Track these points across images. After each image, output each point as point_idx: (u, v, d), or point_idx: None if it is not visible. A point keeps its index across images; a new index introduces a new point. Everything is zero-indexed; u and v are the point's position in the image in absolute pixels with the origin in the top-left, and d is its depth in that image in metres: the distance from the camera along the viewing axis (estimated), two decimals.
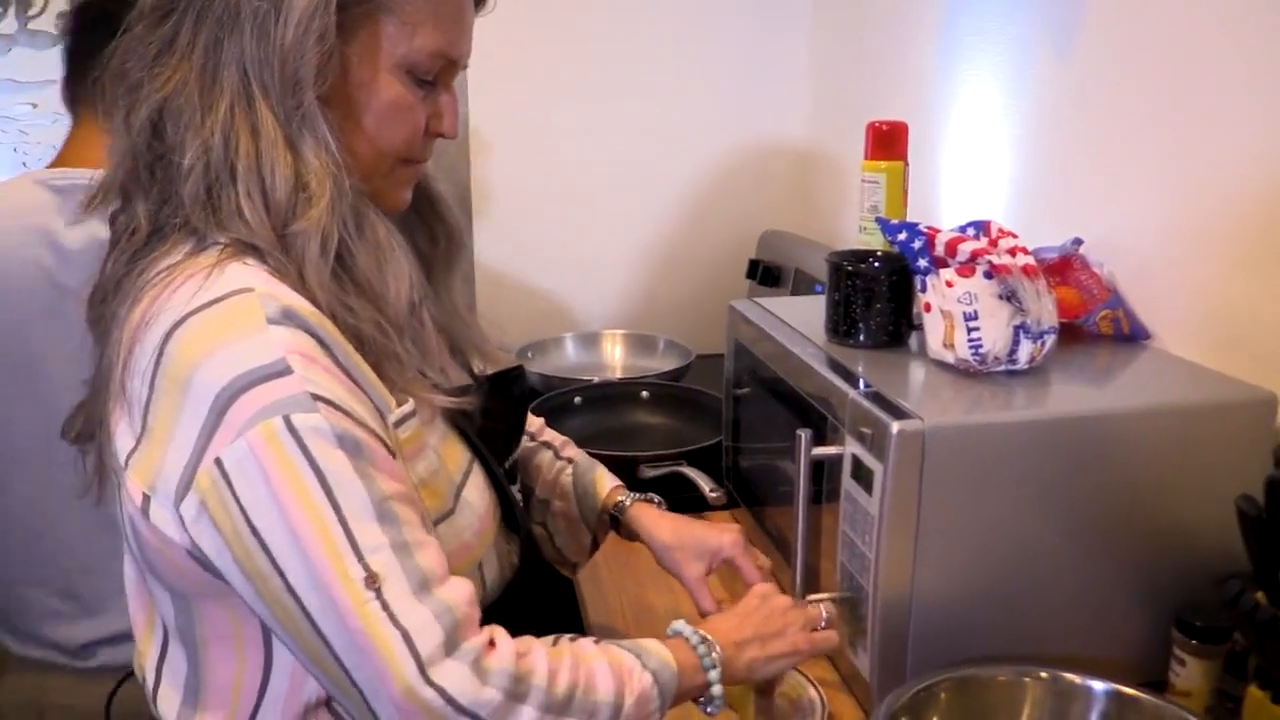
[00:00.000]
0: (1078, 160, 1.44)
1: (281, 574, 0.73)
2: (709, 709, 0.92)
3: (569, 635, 0.87)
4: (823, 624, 1.06)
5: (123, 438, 0.79)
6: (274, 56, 0.78)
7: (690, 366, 2.14)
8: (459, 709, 0.73)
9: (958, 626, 1.06)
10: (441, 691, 0.73)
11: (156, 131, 0.81)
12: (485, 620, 0.90)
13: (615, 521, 1.19)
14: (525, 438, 1.23)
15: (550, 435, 1.27)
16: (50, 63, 2.19)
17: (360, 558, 0.73)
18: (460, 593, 0.78)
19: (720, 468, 1.62)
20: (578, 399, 1.91)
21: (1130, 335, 1.27)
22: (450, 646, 0.74)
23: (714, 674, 0.91)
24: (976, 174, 1.69)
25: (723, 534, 1.15)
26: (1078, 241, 1.35)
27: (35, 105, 2.22)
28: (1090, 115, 1.40)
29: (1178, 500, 1.08)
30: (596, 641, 0.87)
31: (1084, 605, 1.09)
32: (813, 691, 1.11)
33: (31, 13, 2.17)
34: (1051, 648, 1.07)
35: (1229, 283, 1.18)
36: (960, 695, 0.95)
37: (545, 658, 0.80)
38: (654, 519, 1.17)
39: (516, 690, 0.76)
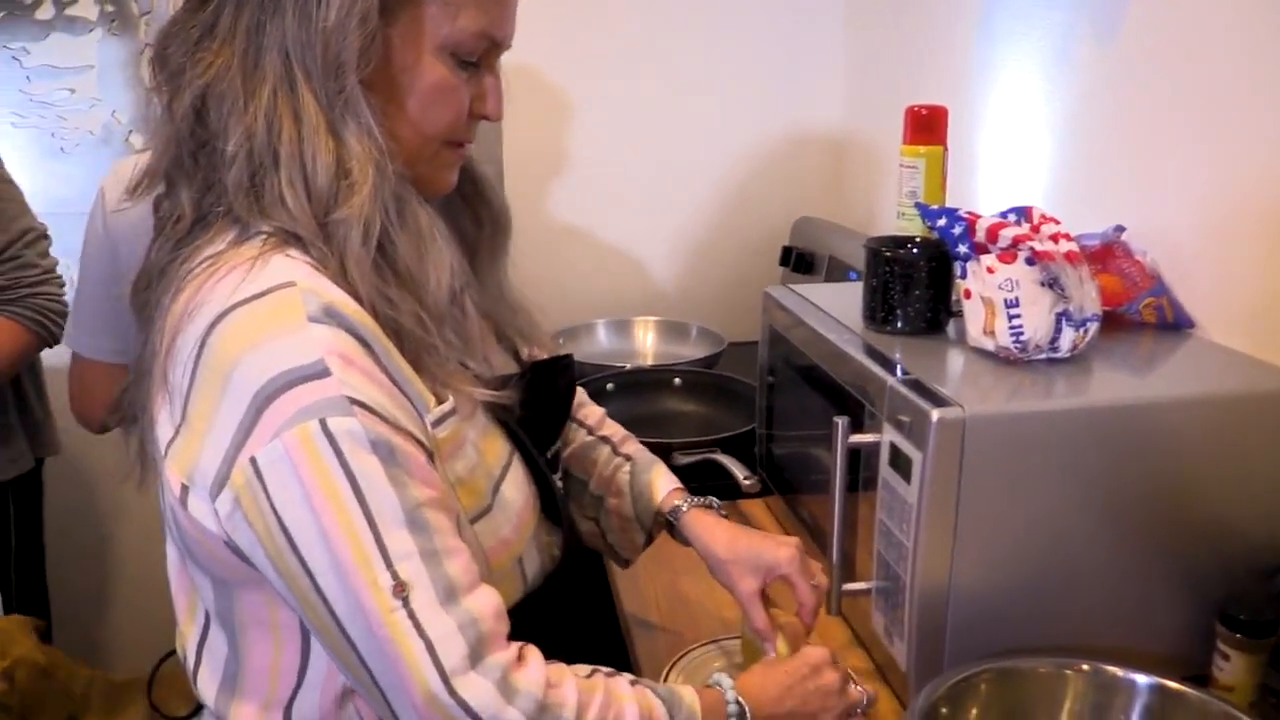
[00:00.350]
0: (1119, 147, 1.42)
1: (311, 575, 0.73)
2: None
3: (606, 670, 0.86)
4: (861, 710, 1.02)
5: (163, 426, 0.79)
6: (316, 39, 0.77)
7: (723, 354, 2.13)
8: None
9: (996, 617, 1.05)
10: (464, 704, 0.73)
11: (200, 118, 0.80)
12: (525, 609, 0.90)
13: (670, 526, 1.16)
14: (583, 431, 1.21)
15: (610, 429, 1.23)
16: (87, 48, 2.21)
17: (389, 565, 0.73)
18: (487, 604, 0.77)
19: (753, 455, 1.61)
20: (610, 385, 1.90)
21: (1174, 324, 1.25)
22: (475, 659, 0.74)
23: None
24: (1015, 160, 1.66)
25: (779, 549, 1.09)
26: (1119, 229, 1.33)
27: (73, 90, 2.24)
28: (1132, 102, 1.38)
29: (1222, 491, 1.06)
30: (633, 682, 0.85)
31: (1125, 597, 1.07)
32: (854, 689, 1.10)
33: None
34: (1091, 640, 1.05)
35: (1274, 270, 1.15)
36: (1000, 686, 0.94)
37: (576, 691, 0.79)
38: (709, 528, 1.11)
39: (540, 716, 0.75)
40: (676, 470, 1.56)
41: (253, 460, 0.73)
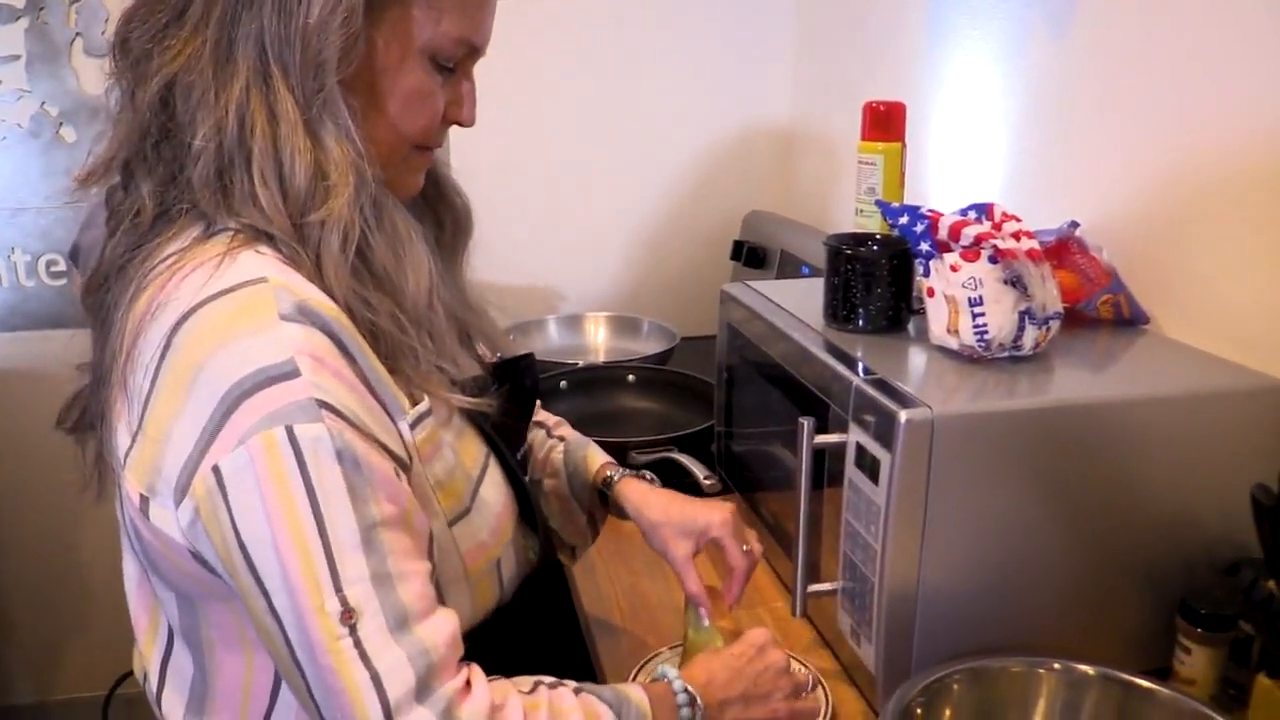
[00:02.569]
0: (1073, 142, 1.42)
1: (266, 595, 0.71)
2: None
3: (549, 680, 0.84)
4: (808, 692, 1.03)
5: (121, 435, 0.76)
6: (295, 35, 0.75)
7: (675, 349, 2.11)
8: None
9: (964, 617, 1.05)
10: None
11: (165, 107, 0.77)
12: (500, 615, 0.87)
13: (604, 497, 1.15)
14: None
15: (543, 416, 1.23)
16: (13, 37, 2.12)
17: (339, 589, 0.70)
18: (440, 632, 0.75)
19: (711, 453, 1.60)
20: (563, 383, 1.88)
21: (1130, 320, 1.26)
22: (422, 692, 0.72)
23: None
24: (969, 155, 1.67)
25: (712, 512, 1.09)
26: (1074, 224, 1.33)
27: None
28: (1086, 95, 1.39)
29: (1183, 488, 1.07)
30: (577, 690, 0.84)
31: (1088, 594, 1.08)
32: (819, 692, 1.10)
33: None
34: (1055, 637, 1.06)
35: (1227, 265, 1.17)
36: (973, 686, 0.94)
37: (521, 709, 0.77)
38: (642, 494, 1.12)
39: None
40: (634, 469, 1.55)
41: (215, 469, 0.70)
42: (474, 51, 0.86)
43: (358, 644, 0.70)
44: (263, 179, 0.75)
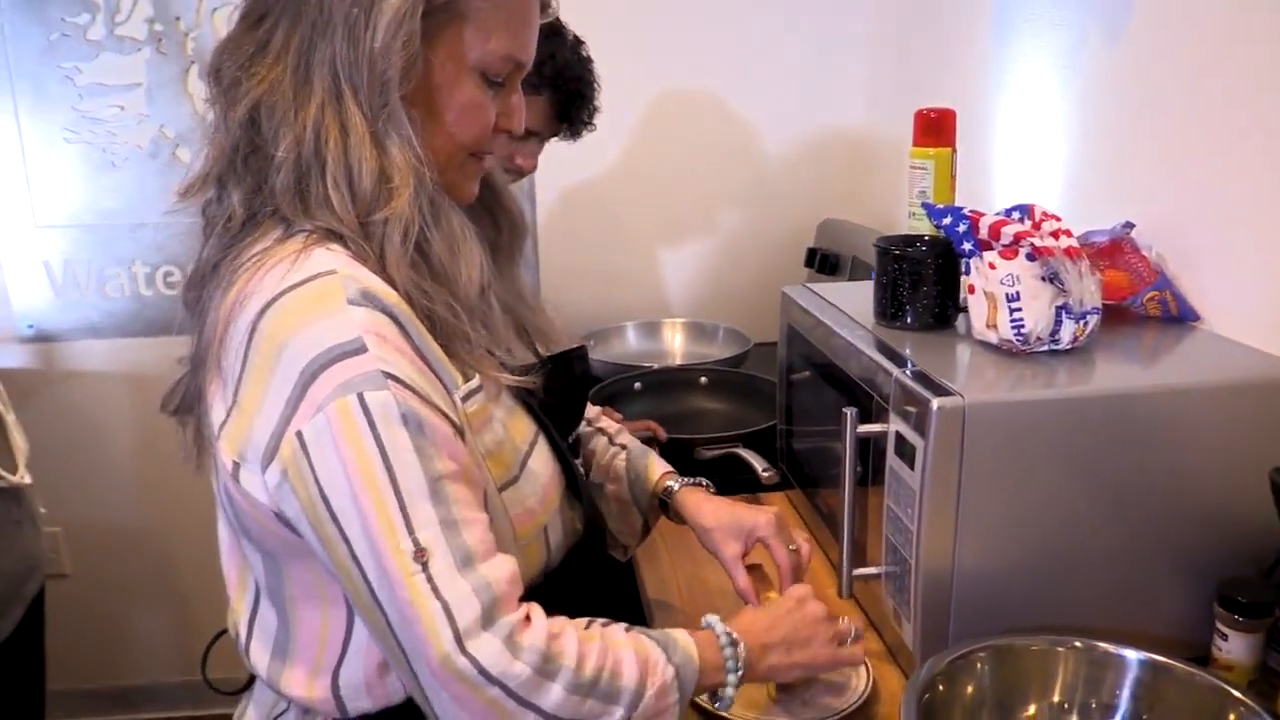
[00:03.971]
0: (1129, 144, 1.45)
1: (347, 541, 0.80)
2: (717, 704, 0.97)
3: (602, 620, 0.91)
4: (850, 640, 1.08)
5: (216, 410, 0.86)
6: (363, 59, 0.84)
7: (748, 353, 2.17)
8: (489, 679, 0.79)
9: (1000, 599, 1.09)
10: (474, 661, 0.79)
11: (253, 125, 0.88)
12: (551, 582, 0.97)
13: (664, 505, 1.24)
14: (583, 423, 1.28)
15: (606, 422, 1.32)
16: (136, 67, 2.31)
17: (411, 532, 0.79)
18: (502, 570, 0.83)
19: (774, 450, 1.66)
20: (638, 384, 1.96)
21: (1179, 317, 1.28)
22: (487, 620, 0.80)
23: (733, 677, 0.95)
24: (1030, 159, 1.70)
25: (758, 515, 1.19)
26: (1129, 225, 1.36)
27: (122, 108, 2.33)
28: (1142, 98, 1.41)
29: (1220, 476, 1.09)
30: (627, 629, 0.91)
31: (1126, 580, 1.11)
32: (862, 645, 1.15)
33: (118, 19, 2.28)
34: (1094, 622, 1.09)
35: (1277, 263, 1.18)
36: (996, 663, 0.98)
37: (576, 640, 0.84)
38: (697, 502, 1.21)
39: (546, 668, 0.81)
40: (700, 465, 1.63)
41: (299, 435, 0.79)
42: (520, 67, 0.95)
43: (430, 579, 0.79)
44: (335, 184, 0.85)
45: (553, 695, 0.81)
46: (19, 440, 1.62)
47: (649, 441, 1.62)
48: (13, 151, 2.32)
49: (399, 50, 0.84)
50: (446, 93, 0.90)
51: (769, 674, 1.01)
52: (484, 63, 0.90)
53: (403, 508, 0.79)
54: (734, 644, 0.96)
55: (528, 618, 0.83)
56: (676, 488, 1.23)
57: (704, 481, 1.26)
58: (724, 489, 1.63)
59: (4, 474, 1.54)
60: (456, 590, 0.79)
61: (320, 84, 0.86)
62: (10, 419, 1.62)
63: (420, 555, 0.79)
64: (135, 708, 2.67)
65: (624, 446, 1.28)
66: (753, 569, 1.21)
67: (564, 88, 1.68)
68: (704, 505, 1.21)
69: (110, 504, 2.54)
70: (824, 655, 1.03)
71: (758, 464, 1.57)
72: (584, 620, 0.90)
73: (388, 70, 0.84)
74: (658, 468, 1.26)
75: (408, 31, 0.84)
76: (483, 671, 0.79)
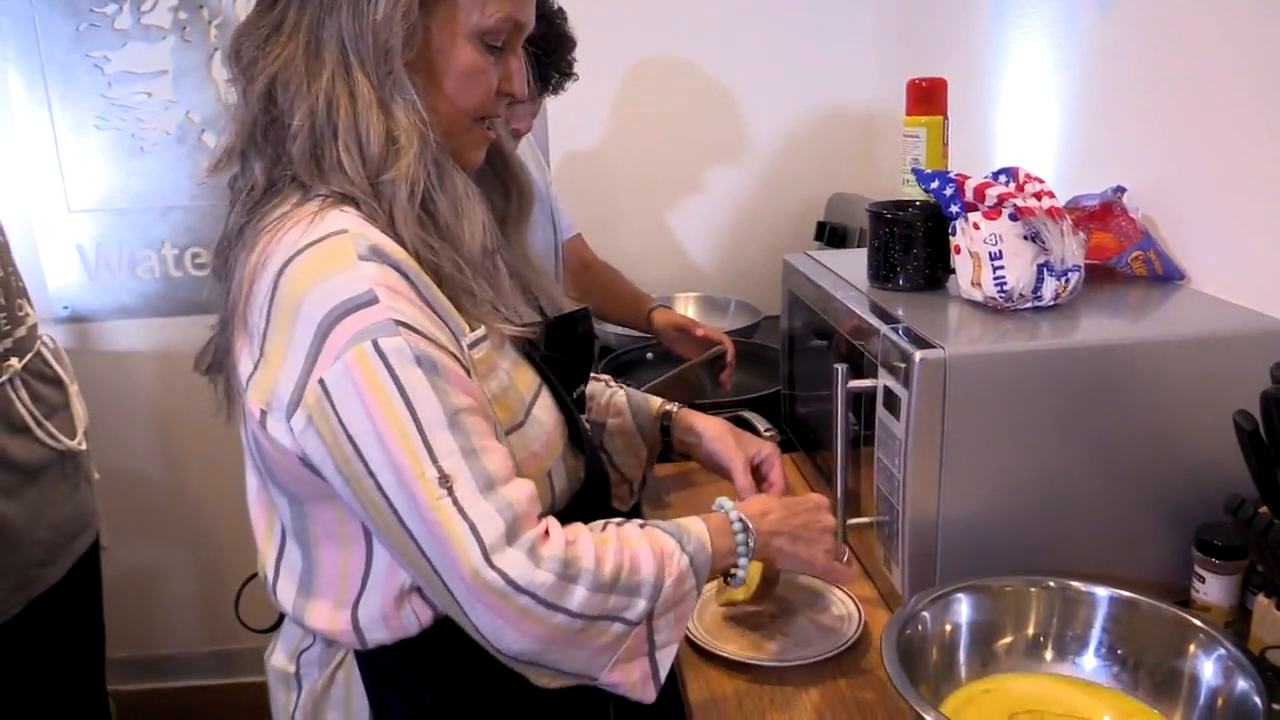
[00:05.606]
0: (1121, 110, 1.48)
1: (373, 475, 0.86)
2: (730, 583, 1.05)
3: (617, 520, 0.99)
4: (844, 561, 1.13)
5: (244, 364, 0.93)
6: (367, 31, 0.91)
7: (759, 325, 2.23)
8: (518, 589, 0.86)
9: (985, 545, 1.14)
10: (503, 574, 0.85)
11: (271, 99, 0.94)
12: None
13: (666, 431, 1.32)
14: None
15: (605, 376, 1.40)
16: (162, 55, 2.38)
17: (434, 460, 0.85)
18: (521, 491, 0.90)
19: (779, 415, 1.71)
20: (649, 354, 2.01)
21: (1163, 276, 1.32)
22: (511, 536, 0.87)
23: (744, 559, 1.02)
24: (1028, 127, 1.74)
25: (761, 441, 1.29)
26: (1119, 189, 1.40)
27: (150, 94, 2.40)
28: (1131, 67, 1.45)
29: (1199, 425, 1.13)
30: (641, 525, 0.98)
31: (1108, 526, 1.16)
32: (851, 605, 1.21)
33: (145, 8, 2.35)
34: (1077, 566, 1.13)
35: (1263, 223, 1.22)
36: (975, 601, 1.02)
37: (592, 544, 0.91)
38: (701, 417, 1.32)
39: (567, 573, 0.88)
40: None
41: (320, 382, 0.86)
42: (519, 29, 1.00)
43: (455, 502, 0.85)
44: (346, 148, 0.92)
45: (577, 596, 0.88)
46: (79, 409, 1.72)
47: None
48: (45, 139, 2.40)
49: (399, 20, 0.90)
50: (446, 58, 0.96)
51: (772, 555, 1.06)
52: (482, 27, 0.96)
53: (425, 439, 0.85)
54: (745, 529, 1.02)
55: (546, 532, 0.90)
56: (676, 410, 1.33)
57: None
58: None
59: (65, 439, 1.64)
60: (480, 510, 0.86)
61: (330, 57, 0.92)
62: (73, 390, 1.72)
63: (445, 481, 0.85)
64: (165, 676, 2.77)
65: (621, 387, 1.37)
66: None
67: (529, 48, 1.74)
68: (707, 420, 1.31)
69: (142, 477, 2.63)
70: (821, 559, 1.08)
71: (760, 424, 1.62)
72: (600, 523, 0.97)
73: (390, 39, 0.91)
74: (656, 400, 1.35)
75: (406, 3, 0.91)
76: (511, 582, 0.85)
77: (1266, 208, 1.21)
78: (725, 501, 1.05)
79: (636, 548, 0.93)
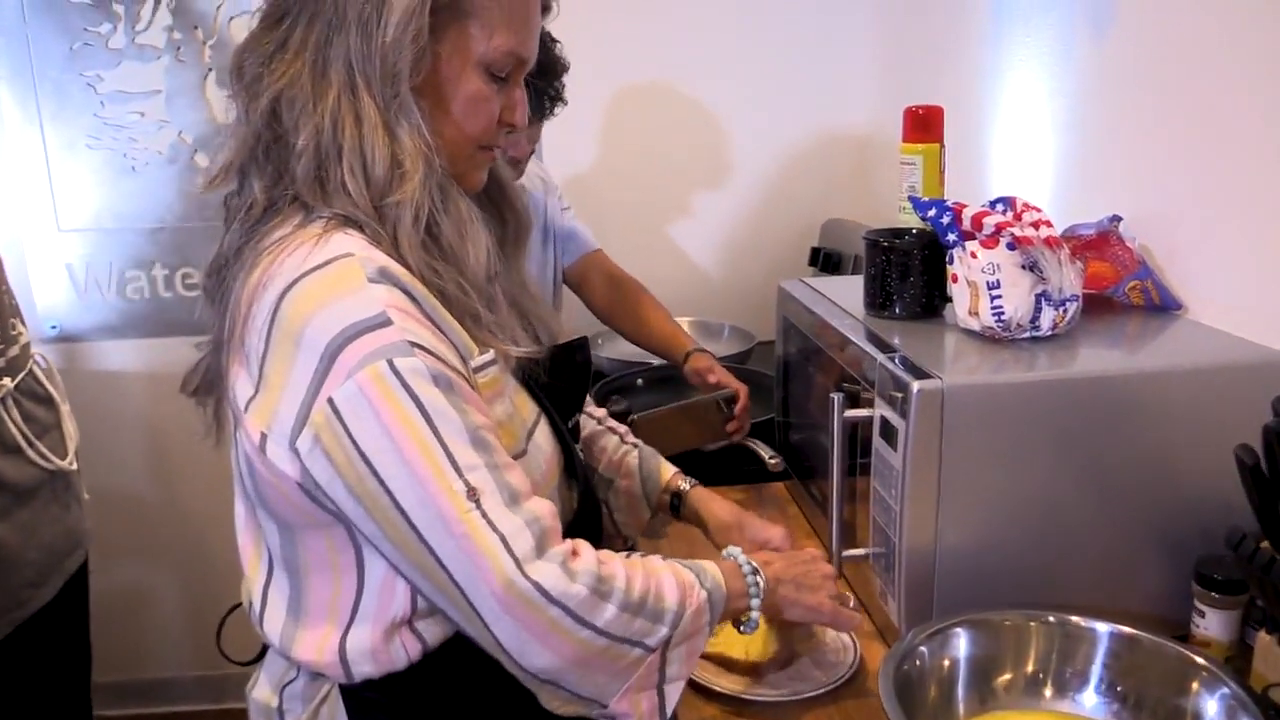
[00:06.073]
0: (1117, 140, 1.48)
1: (390, 494, 0.85)
2: (744, 629, 1.04)
3: (640, 551, 0.99)
4: (850, 605, 1.13)
5: (242, 387, 0.91)
6: (375, 53, 0.90)
7: (753, 350, 2.21)
8: (550, 600, 0.85)
9: (983, 578, 1.13)
10: (537, 585, 0.85)
11: (275, 117, 0.93)
12: None
13: (675, 503, 1.30)
14: (593, 422, 1.33)
15: (614, 423, 1.38)
16: (155, 74, 2.37)
17: (460, 474, 0.85)
18: (545, 507, 0.90)
19: (773, 442, 1.70)
20: (640, 380, 2.00)
21: (1160, 305, 1.31)
22: (540, 549, 0.86)
23: (756, 601, 1.02)
24: (1022, 155, 1.73)
25: (772, 528, 1.23)
26: (1116, 219, 1.39)
27: (143, 114, 2.40)
28: (1127, 96, 1.44)
29: (1198, 457, 1.12)
30: (663, 558, 0.99)
31: (1107, 558, 1.14)
32: (847, 638, 1.19)
33: (139, 28, 2.34)
34: (1076, 599, 1.12)
35: (1259, 255, 1.21)
36: (973, 636, 1.01)
37: (623, 565, 0.92)
38: (712, 499, 1.28)
39: (600, 589, 0.88)
40: (706, 456, 1.66)
41: (330, 400, 0.84)
42: (522, 63, 1.00)
43: (484, 515, 0.85)
44: (351, 170, 0.91)
45: (607, 613, 0.88)
46: (71, 429, 1.71)
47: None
48: (36, 158, 2.39)
49: (409, 44, 0.90)
50: (453, 85, 0.95)
51: (778, 606, 1.06)
52: (488, 58, 0.95)
53: (449, 454, 0.85)
54: (755, 572, 1.03)
55: (574, 550, 0.90)
56: (688, 487, 1.30)
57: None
58: (729, 479, 1.69)
59: (56, 460, 1.63)
60: (510, 523, 0.85)
61: (336, 77, 0.91)
62: (65, 409, 1.71)
63: (473, 494, 0.85)
64: (152, 701, 2.73)
65: (635, 445, 1.34)
66: None
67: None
68: (719, 502, 1.28)
69: (128, 499, 2.60)
70: (827, 605, 1.09)
71: (764, 452, 1.61)
72: (623, 551, 0.98)
73: (398, 63, 0.90)
74: (668, 469, 1.32)
75: (416, 26, 0.90)
76: (544, 593, 0.85)
77: (1264, 238, 1.20)
78: (734, 549, 1.07)
79: (662, 576, 0.94)
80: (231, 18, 2.36)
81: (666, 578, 0.94)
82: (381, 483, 0.85)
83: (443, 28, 0.93)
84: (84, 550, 1.74)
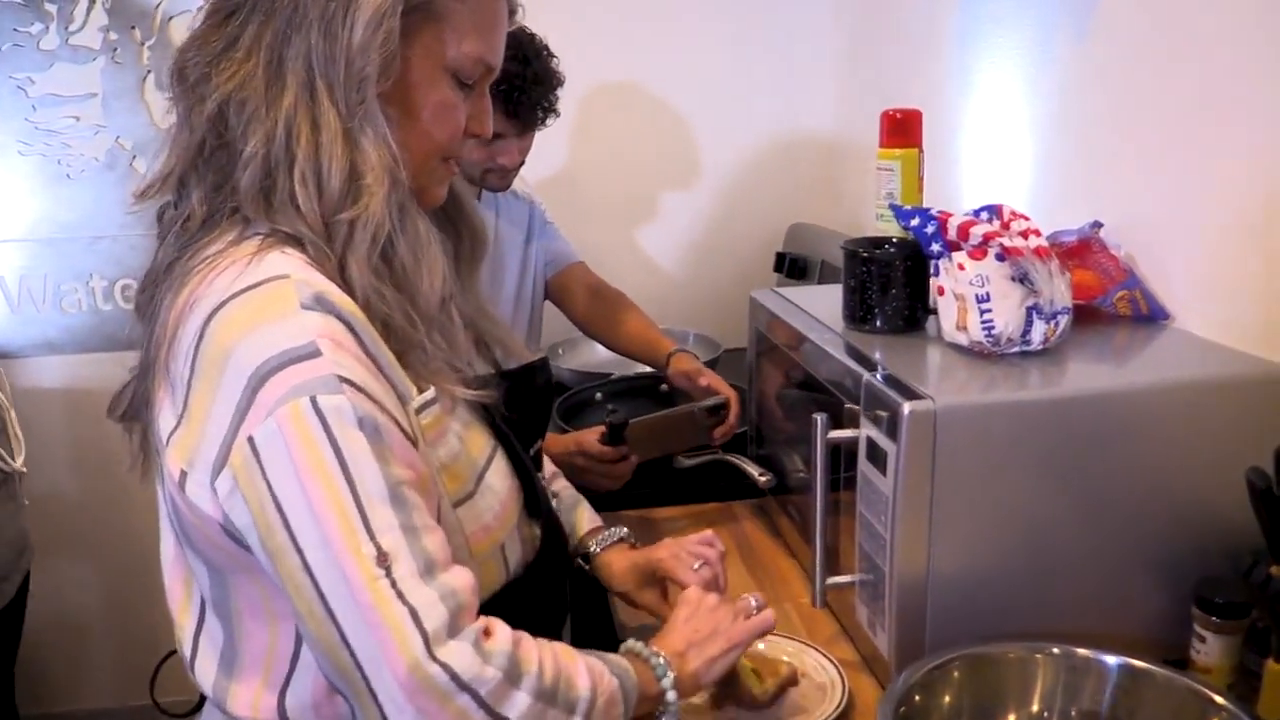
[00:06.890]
0: (1097, 144, 1.44)
1: (299, 550, 0.76)
2: (664, 718, 0.96)
3: (546, 639, 0.89)
4: (754, 609, 1.06)
5: (165, 417, 0.83)
6: (340, 55, 0.82)
7: (719, 359, 2.15)
8: (461, 685, 0.76)
9: (976, 605, 1.07)
10: (446, 668, 0.76)
11: (222, 121, 0.85)
12: (509, 595, 0.94)
13: (586, 560, 1.24)
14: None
15: (545, 466, 1.29)
16: (91, 77, 2.26)
17: (372, 536, 0.76)
18: (463, 580, 0.80)
19: (746, 456, 1.63)
20: (598, 394, 1.93)
21: (1149, 316, 1.27)
22: (453, 629, 0.77)
23: (667, 681, 0.95)
24: (998, 160, 1.69)
25: (654, 552, 1.19)
26: (1097, 225, 1.35)
27: (78, 119, 2.29)
28: (1109, 99, 1.40)
29: (1195, 476, 1.08)
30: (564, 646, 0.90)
31: (1103, 583, 1.09)
32: (834, 671, 1.13)
33: (73, 28, 2.23)
34: (1071, 625, 1.07)
35: (1248, 262, 1.18)
36: (973, 672, 0.96)
37: (536, 648, 0.83)
38: (609, 568, 1.22)
39: (514, 673, 0.79)
40: (682, 473, 1.59)
41: (250, 440, 0.76)
42: (489, 71, 0.93)
43: (394, 584, 0.76)
44: (302, 180, 0.83)
45: (520, 703, 0.79)
46: (17, 431, 1.80)
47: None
48: None
49: (378, 47, 0.82)
50: (422, 92, 0.88)
51: (698, 677, 0.99)
52: (457, 64, 0.89)
53: (362, 512, 0.76)
54: (656, 654, 0.96)
55: (487, 629, 0.81)
56: (596, 551, 1.23)
57: (624, 533, 1.26)
58: (708, 497, 1.62)
59: (8, 460, 1.71)
60: (422, 596, 0.76)
61: (294, 79, 0.83)
62: (11, 415, 1.80)
63: (383, 560, 0.76)
64: None
65: (555, 494, 1.26)
66: None
67: (497, 86, 1.68)
68: (614, 569, 1.22)
69: (65, 525, 2.49)
70: (737, 633, 1.02)
71: (753, 469, 1.53)
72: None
73: (366, 67, 0.83)
74: (584, 524, 1.26)
75: (388, 28, 0.83)
76: (455, 678, 0.76)
77: (1251, 243, 1.17)
78: (630, 641, 0.99)
79: (569, 661, 0.85)
80: (171, 17, 2.26)
81: (576, 663, 0.86)
82: (291, 537, 0.76)
83: (414, 31, 0.86)
84: (31, 552, 1.81)
